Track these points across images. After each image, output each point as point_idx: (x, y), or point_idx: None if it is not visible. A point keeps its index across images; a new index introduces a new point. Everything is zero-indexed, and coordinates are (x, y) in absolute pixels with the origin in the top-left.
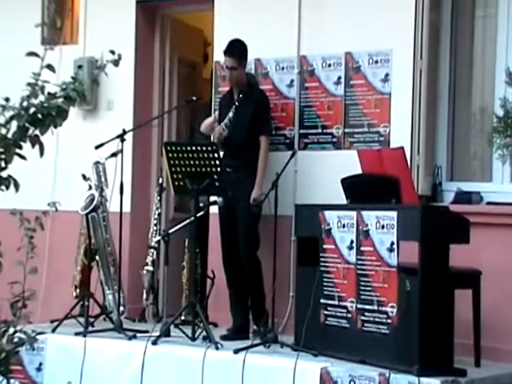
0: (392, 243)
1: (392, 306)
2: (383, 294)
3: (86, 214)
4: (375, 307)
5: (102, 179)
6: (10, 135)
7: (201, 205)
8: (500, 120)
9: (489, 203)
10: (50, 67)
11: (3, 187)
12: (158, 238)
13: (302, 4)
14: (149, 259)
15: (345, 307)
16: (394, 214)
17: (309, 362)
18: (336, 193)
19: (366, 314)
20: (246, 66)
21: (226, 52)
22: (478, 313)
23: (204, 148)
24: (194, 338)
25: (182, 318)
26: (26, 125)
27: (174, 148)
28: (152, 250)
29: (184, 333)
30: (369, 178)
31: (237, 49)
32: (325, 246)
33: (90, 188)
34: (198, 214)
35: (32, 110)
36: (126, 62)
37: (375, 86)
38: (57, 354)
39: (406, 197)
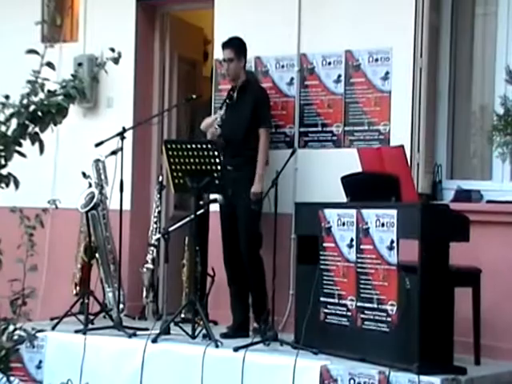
0: (392, 241)
1: (392, 304)
2: (383, 292)
3: (86, 212)
4: (375, 305)
5: (102, 177)
6: (9, 133)
7: (201, 203)
8: (500, 118)
9: (489, 201)
10: (49, 65)
11: (3, 185)
12: (158, 235)
13: (302, 2)
14: (149, 257)
15: (345, 305)
16: (393, 212)
17: (309, 360)
18: (336, 191)
19: (366, 312)
20: (244, 62)
21: (223, 45)
22: (477, 311)
23: (204, 146)
24: (193, 336)
25: (182, 315)
26: (26, 122)
27: (174, 146)
28: (152, 248)
29: (184, 331)
30: (369, 177)
31: (234, 42)
32: (325, 244)
33: (90, 186)
34: (198, 212)
35: (32, 107)
36: (126, 60)
37: (375, 84)
38: (57, 351)
39: (406, 195)
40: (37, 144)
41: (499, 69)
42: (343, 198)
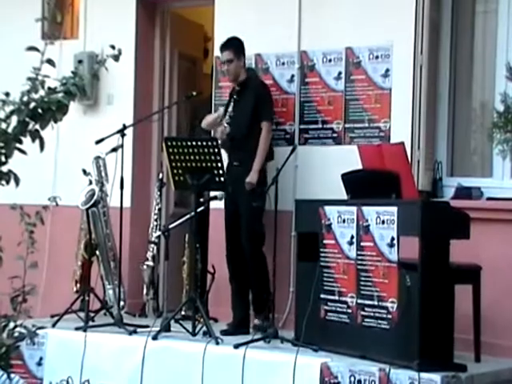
0: (392, 238)
1: (392, 302)
2: (383, 289)
3: (87, 209)
4: (375, 302)
5: (103, 174)
6: (10, 130)
7: (201, 200)
8: (500, 115)
9: (489, 199)
10: (50, 62)
11: (3, 182)
12: (159, 233)
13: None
14: (149, 254)
15: (345, 302)
16: (394, 209)
17: (309, 357)
18: (336, 188)
19: (366, 309)
20: (243, 60)
21: (222, 47)
22: (478, 308)
23: (204, 143)
24: (194, 333)
25: (183, 313)
26: (27, 119)
27: (174, 143)
28: (152, 245)
29: (184, 328)
30: (369, 174)
31: (232, 43)
32: (325, 242)
33: (91, 183)
34: (199, 210)
35: (32, 104)
36: (127, 57)
37: (376, 82)
38: (57, 348)
39: (407, 192)
40: (37, 141)
41: (499, 66)
42: (343, 195)
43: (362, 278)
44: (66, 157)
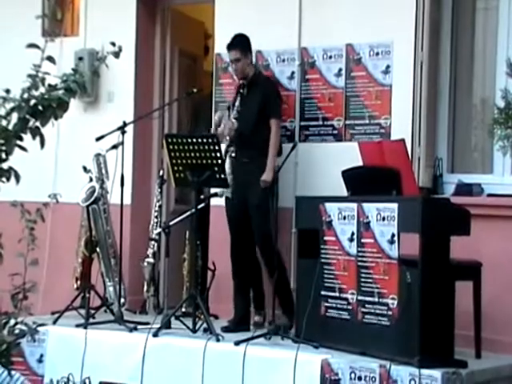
0: (393, 235)
1: (393, 298)
2: (384, 285)
3: (87, 206)
4: (376, 299)
5: (103, 171)
6: (10, 127)
7: (202, 197)
8: (501, 111)
9: (490, 195)
10: (50, 59)
11: (4, 179)
12: (159, 230)
13: None
14: (149, 251)
15: (345, 299)
16: (394, 205)
17: (309, 354)
18: (337, 185)
19: (367, 305)
20: (251, 57)
21: (229, 46)
22: (478, 304)
23: (205, 140)
24: (194, 330)
25: (183, 309)
26: (27, 116)
27: (174, 140)
28: (153, 242)
29: (185, 325)
30: (369, 170)
31: (238, 41)
32: (325, 238)
33: (91, 180)
34: (199, 206)
35: (33, 101)
36: (127, 54)
37: (376, 78)
38: (58, 345)
39: (407, 189)
40: (38, 138)
41: (500, 62)
42: (344, 192)
43: (363, 275)
44: (67, 154)
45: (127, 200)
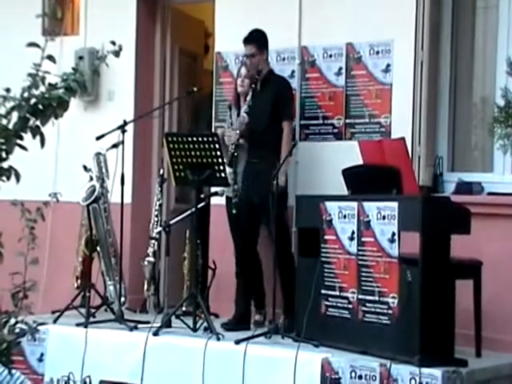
0: (393, 234)
1: (393, 297)
2: (384, 284)
3: (87, 205)
4: (376, 298)
5: (103, 170)
6: (10, 126)
7: (202, 196)
8: (501, 110)
9: (490, 194)
10: (50, 58)
11: (4, 178)
12: (159, 228)
13: None
14: (150, 250)
15: (346, 298)
16: (394, 204)
17: (310, 353)
18: (337, 183)
19: (367, 304)
20: (266, 54)
21: (245, 40)
22: (478, 303)
23: (205, 139)
24: (195, 329)
25: (183, 308)
26: (27, 116)
27: (174, 139)
28: (153, 241)
29: (185, 324)
30: (370, 169)
31: (255, 36)
32: (326, 237)
33: (91, 179)
34: (199, 205)
35: (33, 100)
36: (127, 53)
37: (376, 77)
38: (58, 344)
39: (407, 187)
40: (38, 137)
41: (500, 61)
42: (344, 191)
43: (363, 274)
44: (67, 153)
45: (127, 199)
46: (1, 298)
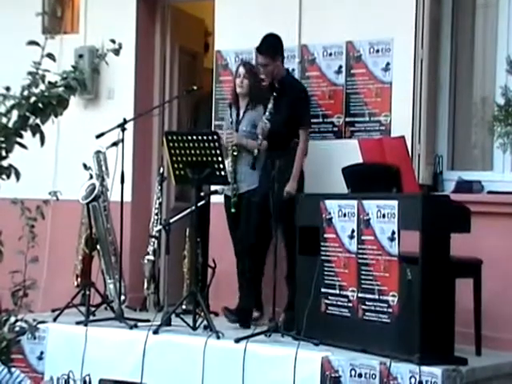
0: (393, 232)
1: (393, 295)
2: (384, 283)
3: (87, 204)
4: (376, 296)
5: (103, 168)
6: (10, 124)
7: (202, 194)
8: (501, 108)
9: (490, 192)
10: (50, 56)
11: (4, 176)
12: (159, 227)
13: None
14: (150, 248)
15: (346, 296)
16: (394, 203)
17: (310, 351)
18: (337, 182)
19: (367, 303)
20: (281, 59)
21: (257, 49)
22: (478, 302)
23: (205, 137)
24: (195, 327)
25: (183, 307)
26: (27, 114)
27: (174, 137)
28: (153, 240)
29: (185, 322)
30: (370, 167)
31: (268, 45)
32: (326, 236)
33: (91, 177)
34: (199, 204)
35: (33, 99)
36: (127, 51)
37: (376, 75)
38: (58, 343)
39: (407, 186)
40: (38, 136)
41: (500, 59)
42: (344, 189)
43: (363, 272)
44: (67, 151)
45: (127, 197)
46: (1, 297)
